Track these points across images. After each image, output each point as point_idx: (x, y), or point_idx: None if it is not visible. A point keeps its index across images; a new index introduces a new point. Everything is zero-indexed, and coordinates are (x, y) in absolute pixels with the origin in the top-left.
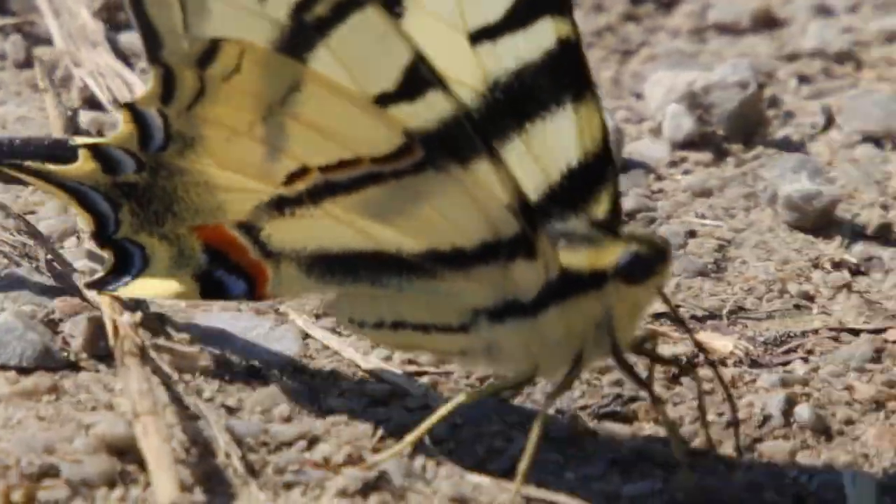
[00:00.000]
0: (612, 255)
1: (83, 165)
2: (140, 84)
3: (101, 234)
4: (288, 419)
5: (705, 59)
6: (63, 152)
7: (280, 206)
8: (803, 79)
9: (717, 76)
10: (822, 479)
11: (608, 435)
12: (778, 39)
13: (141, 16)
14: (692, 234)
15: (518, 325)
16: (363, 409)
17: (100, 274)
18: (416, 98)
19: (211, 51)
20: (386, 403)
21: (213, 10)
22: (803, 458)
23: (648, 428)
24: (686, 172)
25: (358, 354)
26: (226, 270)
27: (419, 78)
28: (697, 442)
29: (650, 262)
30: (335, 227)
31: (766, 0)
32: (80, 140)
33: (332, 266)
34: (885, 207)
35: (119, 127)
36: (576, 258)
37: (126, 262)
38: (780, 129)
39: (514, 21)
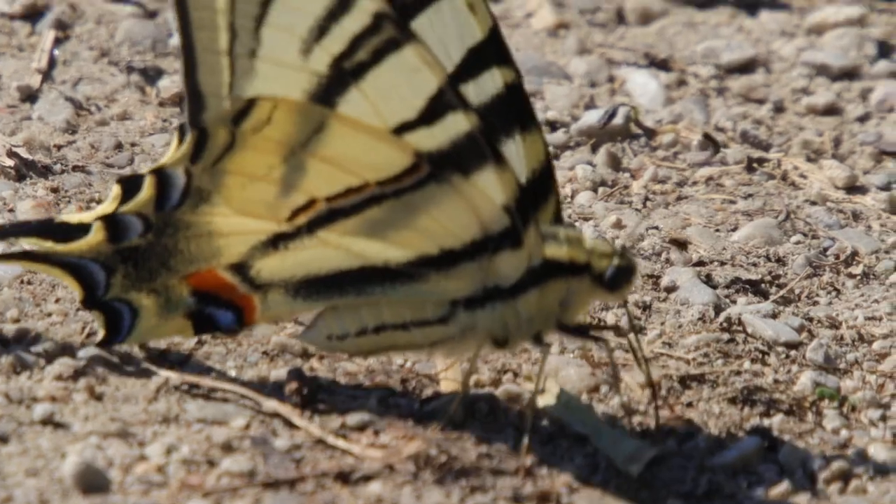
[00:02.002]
0: (597, 258)
1: (94, 238)
2: None
3: (90, 300)
4: (17, 320)
5: None
6: (51, 231)
7: (275, 242)
8: None
9: None
10: None
11: (261, 333)
12: None
13: (193, 85)
14: None
15: (497, 307)
16: (75, 312)
17: (98, 339)
18: (434, 122)
19: (246, 109)
20: None
21: (259, 70)
22: None
23: (290, 327)
24: None
25: None
26: (215, 307)
27: (442, 103)
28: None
29: (627, 274)
30: (326, 252)
31: None
32: (65, 218)
33: (318, 287)
34: None
35: (141, 193)
36: (553, 249)
37: (116, 320)
38: None
39: (470, 69)
